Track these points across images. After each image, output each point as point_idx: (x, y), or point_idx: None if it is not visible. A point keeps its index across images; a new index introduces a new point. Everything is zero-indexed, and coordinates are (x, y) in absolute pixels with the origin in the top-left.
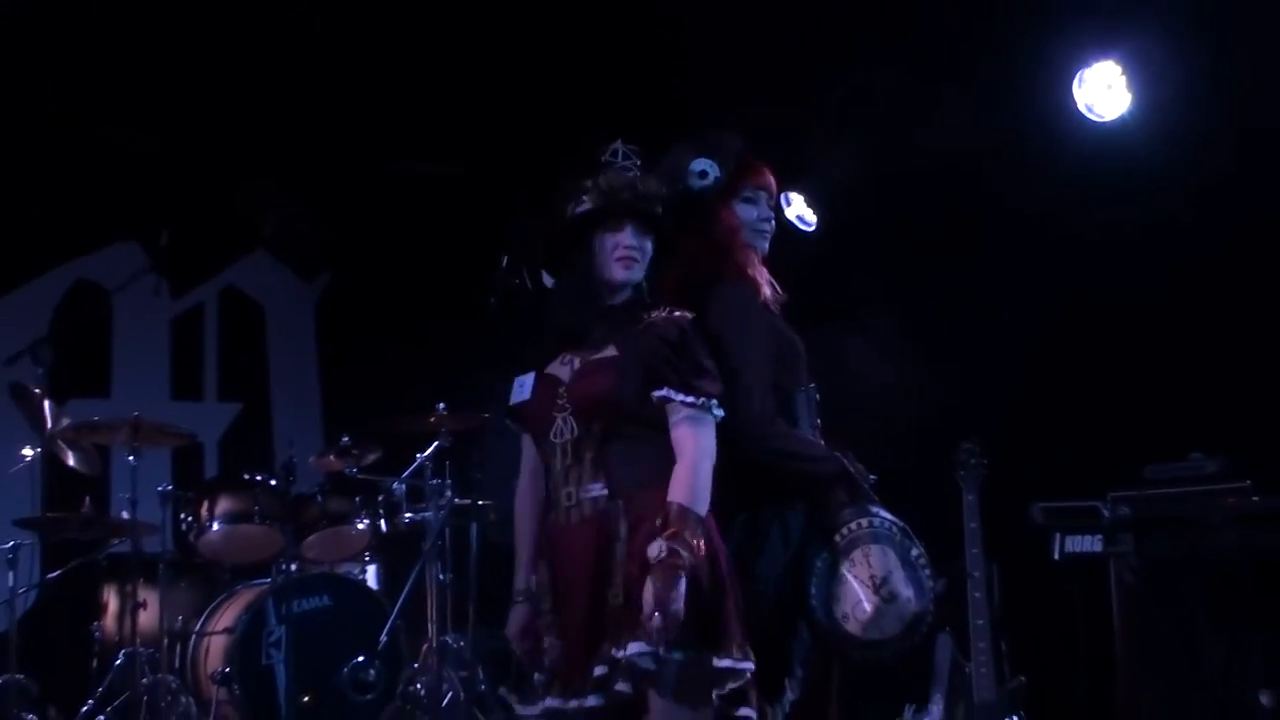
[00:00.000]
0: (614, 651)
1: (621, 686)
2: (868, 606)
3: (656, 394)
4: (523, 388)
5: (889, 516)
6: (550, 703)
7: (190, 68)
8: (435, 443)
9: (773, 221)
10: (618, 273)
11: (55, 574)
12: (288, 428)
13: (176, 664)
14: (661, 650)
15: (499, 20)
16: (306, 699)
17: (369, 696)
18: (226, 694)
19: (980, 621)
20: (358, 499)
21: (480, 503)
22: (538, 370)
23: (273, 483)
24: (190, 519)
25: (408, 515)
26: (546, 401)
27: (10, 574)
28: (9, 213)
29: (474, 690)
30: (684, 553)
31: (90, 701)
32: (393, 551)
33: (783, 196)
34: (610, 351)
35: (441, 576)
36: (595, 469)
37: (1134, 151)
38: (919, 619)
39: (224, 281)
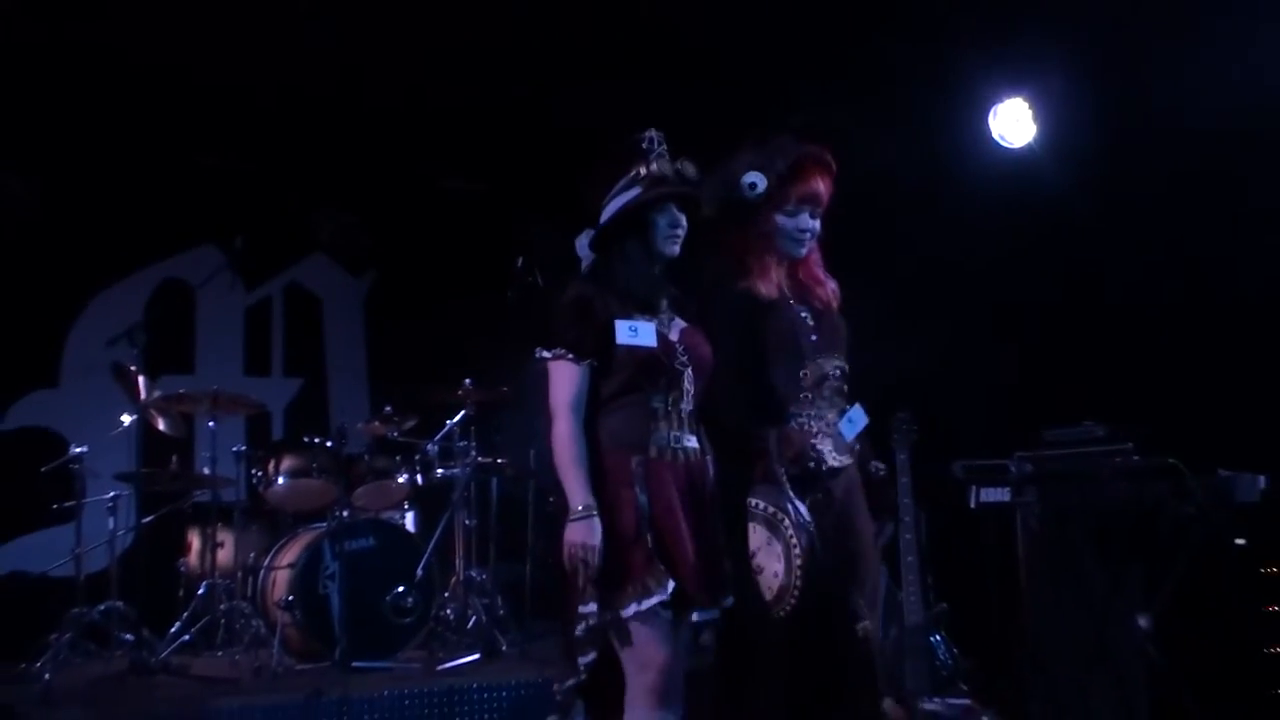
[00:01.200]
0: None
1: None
2: (756, 580)
3: None
4: (637, 333)
5: (763, 502)
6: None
7: (262, 101)
8: (462, 411)
9: (812, 231)
10: (670, 249)
11: (149, 519)
12: (341, 399)
13: (249, 593)
14: None
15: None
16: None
17: (407, 620)
18: (290, 618)
19: (910, 558)
20: (398, 458)
21: (499, 461)
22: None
23: (328, 444)
24: (260, 474)
25: (439, 471)
26: (668, 353)
27: (111, 519)
28: (112, 222)
29: (494, 615)
30: None
31: (177, 624)
32: (427, 501)
33: None
34: (681, 322)
35: (467, 521)
36: (693, 423)
37: (1039, 173)
38: (784, 591)
39: (288, 278)
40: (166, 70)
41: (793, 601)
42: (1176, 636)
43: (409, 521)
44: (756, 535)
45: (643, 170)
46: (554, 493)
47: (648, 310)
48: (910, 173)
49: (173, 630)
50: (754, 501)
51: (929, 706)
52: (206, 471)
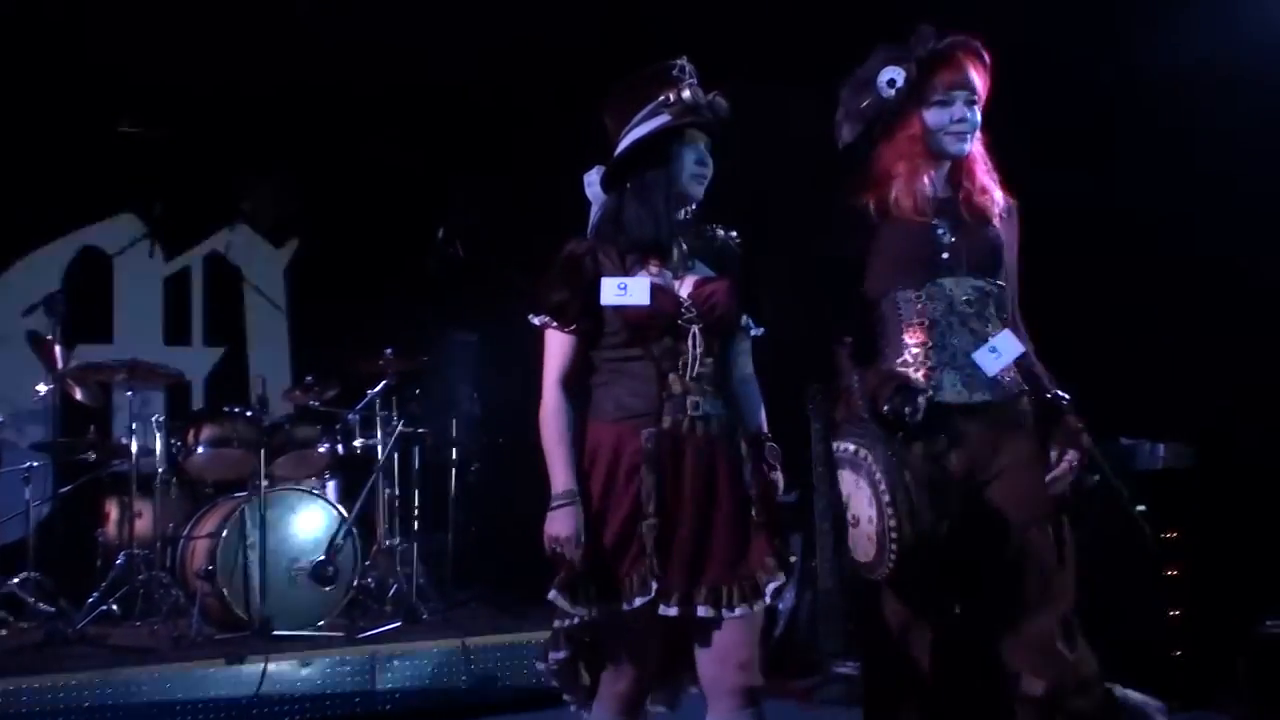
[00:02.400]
0: (761, 576)
1: (743, 610)
2: (850, 536)
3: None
4: (626, 290)
5: (849, 444)
6: (666, 609)
7: (183, 68)
8: (384, 381)
9: (968, 121)
10: (695, 190)
11: (66, 489)
12: (262, 368)
13: (167, 563)
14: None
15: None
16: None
17: (328, 589)
18: (209, 587)
19: (824, 525)
20: (319, 427)
21: (420, 430)
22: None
23: (249, 414)
24: (179, 444)
25: (360, 440)
26: (669, 311)
27: (27, 490)
28: (29, 189)
29: (415, 583)
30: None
31: (95, 594)
32: (349, 470)
33: None
34: (705, 270)
35: (388, 491)
36: (715, 387)
37: None
38: (882, 542)
39: (208, 248)
40: (88, 35)
41: (893, 556)
42: (1080, 601)
43: (330, 490)
44: (845, 481)
45: (672, 96)
46: (475, 460)
47: (660, 256)
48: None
49: (90, 600)
50: (837, 445)
51: (842, 670)
52: (125, 441)
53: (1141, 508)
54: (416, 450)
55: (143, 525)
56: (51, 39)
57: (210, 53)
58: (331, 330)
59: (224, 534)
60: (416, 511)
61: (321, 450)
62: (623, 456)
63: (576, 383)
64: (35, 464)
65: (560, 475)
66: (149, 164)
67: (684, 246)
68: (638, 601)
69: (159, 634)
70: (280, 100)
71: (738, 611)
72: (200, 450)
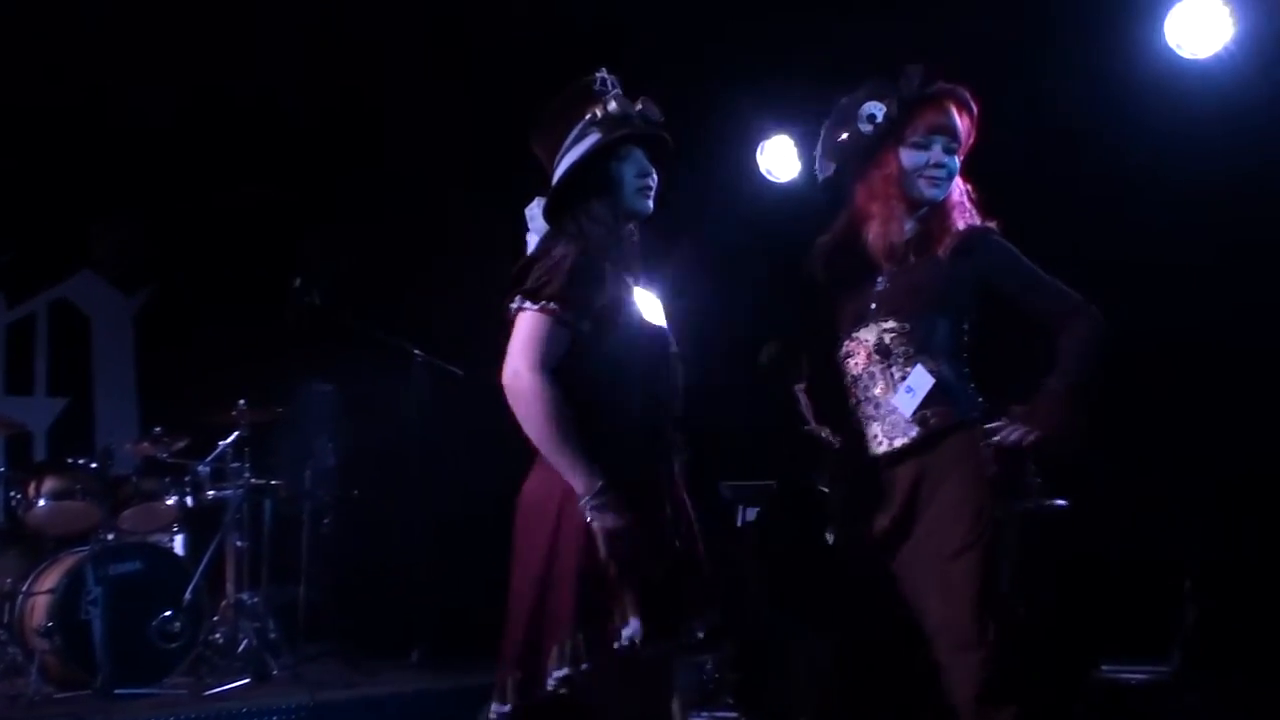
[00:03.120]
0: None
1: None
2: None
3: None
4: (642, 307)
5: None
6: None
7: (31, 109)
8: (236, 432)
9: (948, 166)
10: (642, 205)
11: None
12: (108, 419)
13: (5, 620)
14: None
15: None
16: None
17: (174, 645)
18: (49, 644)
19: None
20: (167, 479)
21: (273, 482)
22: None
23: (93, 465)
24: (19, 496)
25: (211, 493)
26: (665, 338)
27: None
28: None
29: (265, 638)
30: None
31: None
32: (198, 524)
33: None
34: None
35: (239, 544)
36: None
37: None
38: None
39: (55, 294)
40: None
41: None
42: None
43: (178, 544)
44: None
45: (599, 112)
46: (328, 513)
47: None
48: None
49: None
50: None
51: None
52: None
53: None
54: (268, 503)
55: None
56: None
57: (59, 93)
58: (182, 380)
59: (65, 590)
60: (267, 565)
61: (169, 503)
62: (636, 481)
63: (587, 397)
64: None
65: (587, 468)
66: None
67: (637, 269)
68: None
69: None
70: (131, 145)
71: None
72: (41, 503)
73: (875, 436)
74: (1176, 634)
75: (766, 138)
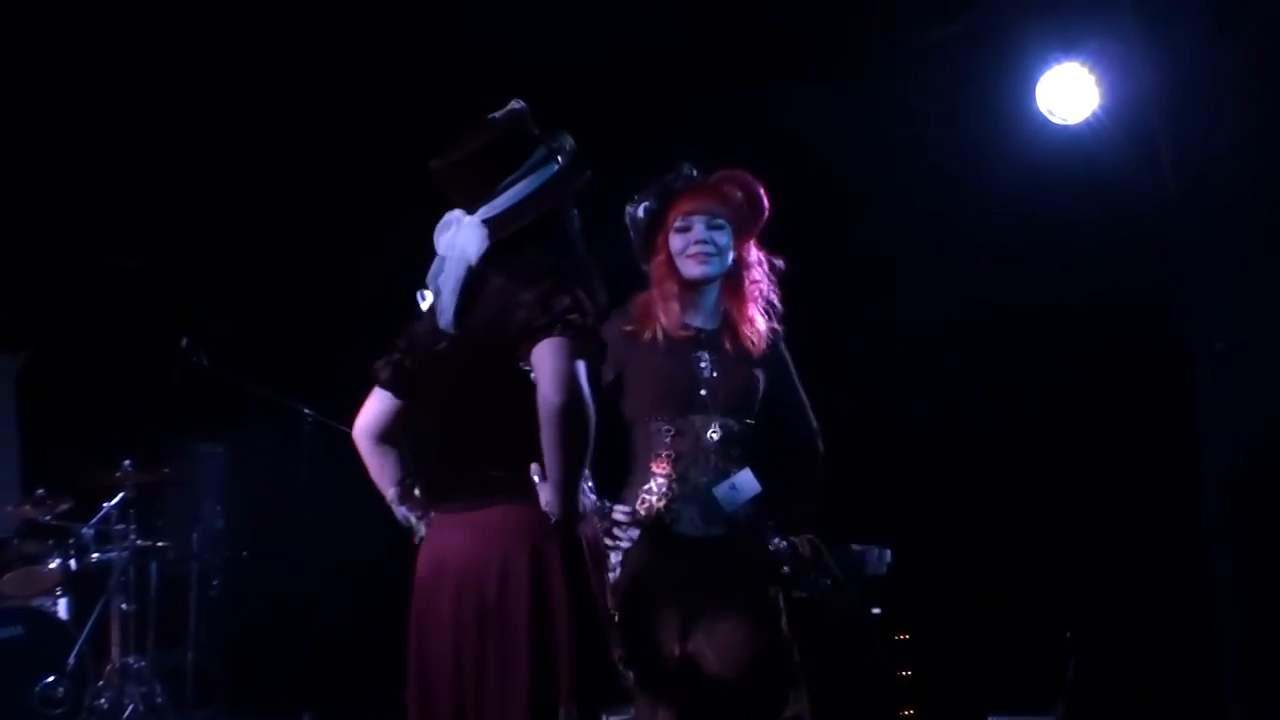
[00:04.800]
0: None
1: None
2: None
3: None
4: None
5: None
6: None
7: None
8: (121, 493)
9: (709, 242)
10: (580, 243)
11: None
12: None
13: None
14: None
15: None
16: None
17: (58, 711)
18: None
19: None
20: (50, 541)
21: (160, 544)
22: None
23: None
24: None
25: (95, 555)
26: None
27: None
28: None
29: (152, 703)
30: None
31: None
32: (82, 587)
33: None
34: None
35: (125, 607)
36: None
37: None
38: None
39: None
40: None
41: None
42: (817, 701)
43: (61, 608)
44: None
45: (556, 144)
46: (216, 575)
47: None
48: None
49: None
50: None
51: None
52: None
53: (876, 610)
54: (154, 565)
55: None
56: None
57: None
58: (66, 441)
59: None
60: (154, 629)
61: (52, 566)
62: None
63: None
64: None
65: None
66: None
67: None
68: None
69: None
70: (11, 203)
71: None
72: None
73: (692, 520)
74: (1061, 685)
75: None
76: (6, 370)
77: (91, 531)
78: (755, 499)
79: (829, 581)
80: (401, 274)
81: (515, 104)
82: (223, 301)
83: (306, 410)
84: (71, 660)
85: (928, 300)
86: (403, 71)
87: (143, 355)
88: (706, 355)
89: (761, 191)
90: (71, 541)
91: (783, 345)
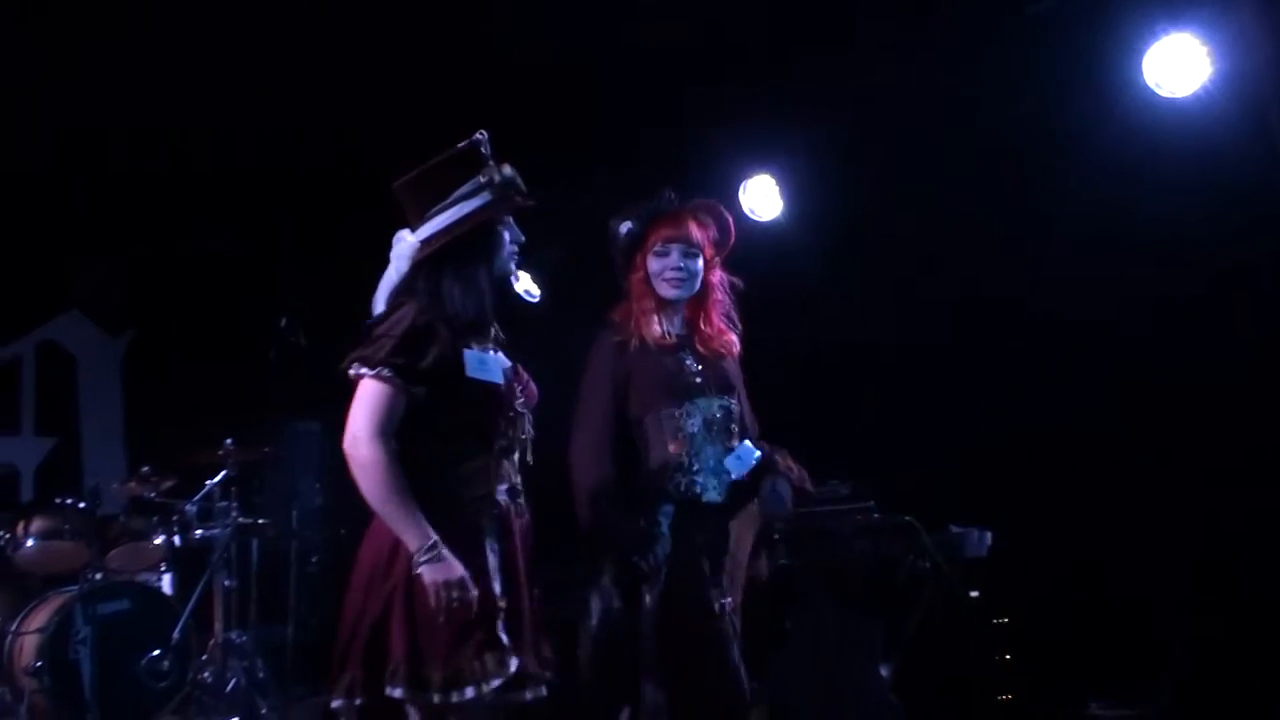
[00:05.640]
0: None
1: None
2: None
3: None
4: (486, 366)
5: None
6: (534, 690)
7: (16, 154)
8: (223, 471)
9: (684, 269)
10: (509, 268)
11: None
12: (96, 459)
13: None
14: None
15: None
16: None
17: (163, 685)
18: (37, 684)
19: None
20: (155, 518)
21: (260, 521)
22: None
23: (81, 505)
24: (8, 536)
25: (198, 532)
26: (511, 391)
27: None
28: None
29: (254, 678)
30: None
31: None
32: (186, 563)
33: None
34: (504, 358)
35: (227, 583)
36: (519, 468)
37: (786, 244)
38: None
39: (42, 335)
40: None
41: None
42: (915, 685)
43: (166, 584)
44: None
45: (495, 176)
46: (315, 552)
47: (480, 338)
48: None
49: None
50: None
51: None
52: None
53: (974, 594)
54: (255, 542)
55: None
56: None
57: (43, 137)
58: (170, 420)
59: (54, 629)
60: (255, 604)
61: (157, 542)
62: (465, 536)
63: (422, 455)
64: None
65: (417, 527)
66: None
67: (495, 329)
68: (497, 681)
69: None
70: (114, 187)
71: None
72: (29, 543)
73: (715, 489)
74: (1166, 672)
75: (748, 177)
76: (112, 351)
77: (195, 508)
78: (755, 467)
79: (927, 564)
80: None
81: (478, 135)
82: (320, 281)
83: None
84: (176, 634)
85: (1032, 277)
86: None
87: (242, 335)
88: (688, 353)
89: (730, 221)
90: (176, 518)
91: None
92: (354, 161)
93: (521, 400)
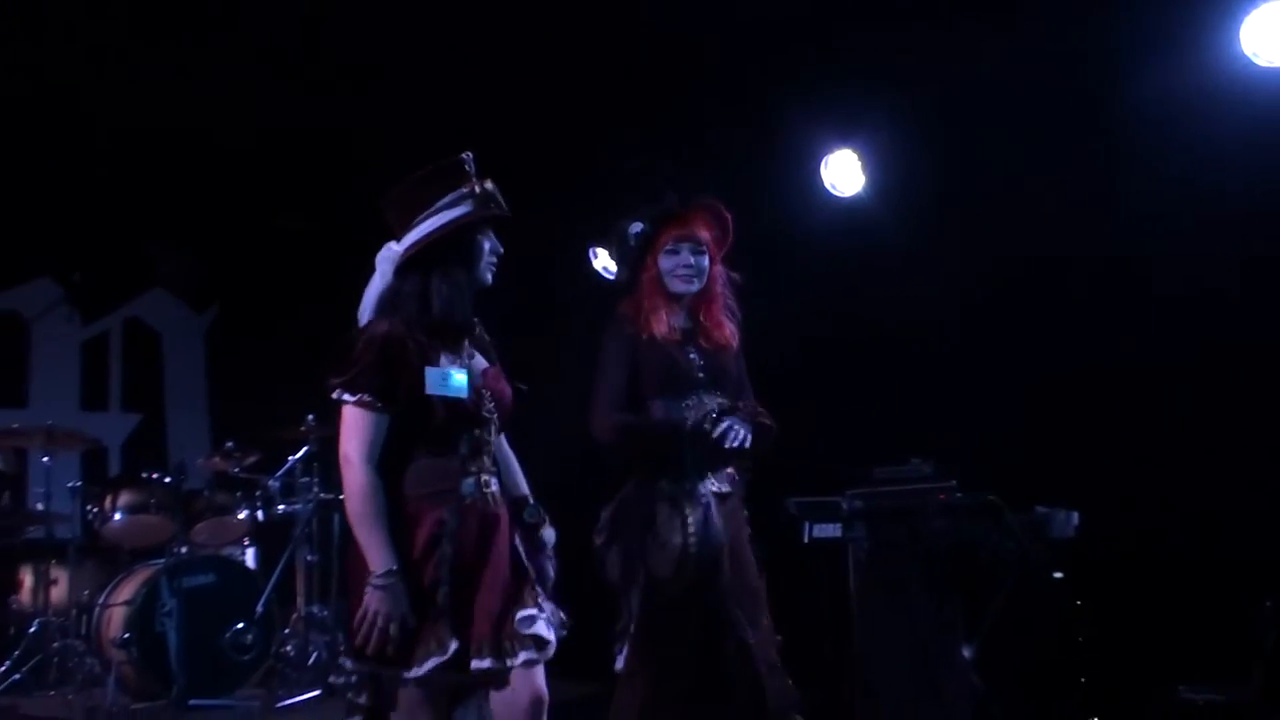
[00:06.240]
0: (540, 611)
1: (526, 656)
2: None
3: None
4: (448, 381)
5: (669, 482)
6: (480, 663)
7: (103, 134)
8: (305, 447)
9: (694, 266)
10: (488, 277)
11: None
12: (181, 434)
13: (83, 631)
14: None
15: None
16: None
17: (247, 657)
18: (125, 656)
19: None
20: (239, 493)
21: (341, 497)
22: (436, 363)
23: (167, 480)
24: (96, 510)
25: (281, 507)
26: (477, 401)
27: None
28: None
29: (335, 651)
30: None
31: (7, 663)
32: (268, 537)
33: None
34: (482, 361)
35: (309, 558)
36: (494, 465)
37: (867, 220)
38: (682, 562)
39: (127, 312)
40: (5, 101)
41: (690, 575)
42: (998, 665)
43: (249, 558)
44: (661, 511)
45: (476, 188)
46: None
47: (454, 345)
48: (739, 221)
49: (2, 669)
50: (661, 483)
51: None
52: (40, 507)
53: (1059, 575)
54: (337, 517)
55: (57, 593)
56: None
57: (127, 117)
58: (252, 396)
59: (142, 601)
60: (337, 579)
61: (241, 517)
62: (421, 529)
63: (384, 456)
64: None
65: (381, 554)
66: (67, 229)
67: (475, 333)
68: (431, 663)
69: (73, 704)
70: (197, 166)
71: (521, 658)
72: (117, 516)
73: (710, 479)
74: (1257, 656)
75: (830, 152)
76: (195, 328)
77: (277, 484)
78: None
79: (1011, 544)
80: (568, 234)
81: (464, 155)
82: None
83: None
84: (260, 608)
85: (1122, 252)
86: None
87: (324, 312)
88: (691, 347)
89: (730, 221)
90: (258, 493)
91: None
92: (437, 136)
93: (490, 406)
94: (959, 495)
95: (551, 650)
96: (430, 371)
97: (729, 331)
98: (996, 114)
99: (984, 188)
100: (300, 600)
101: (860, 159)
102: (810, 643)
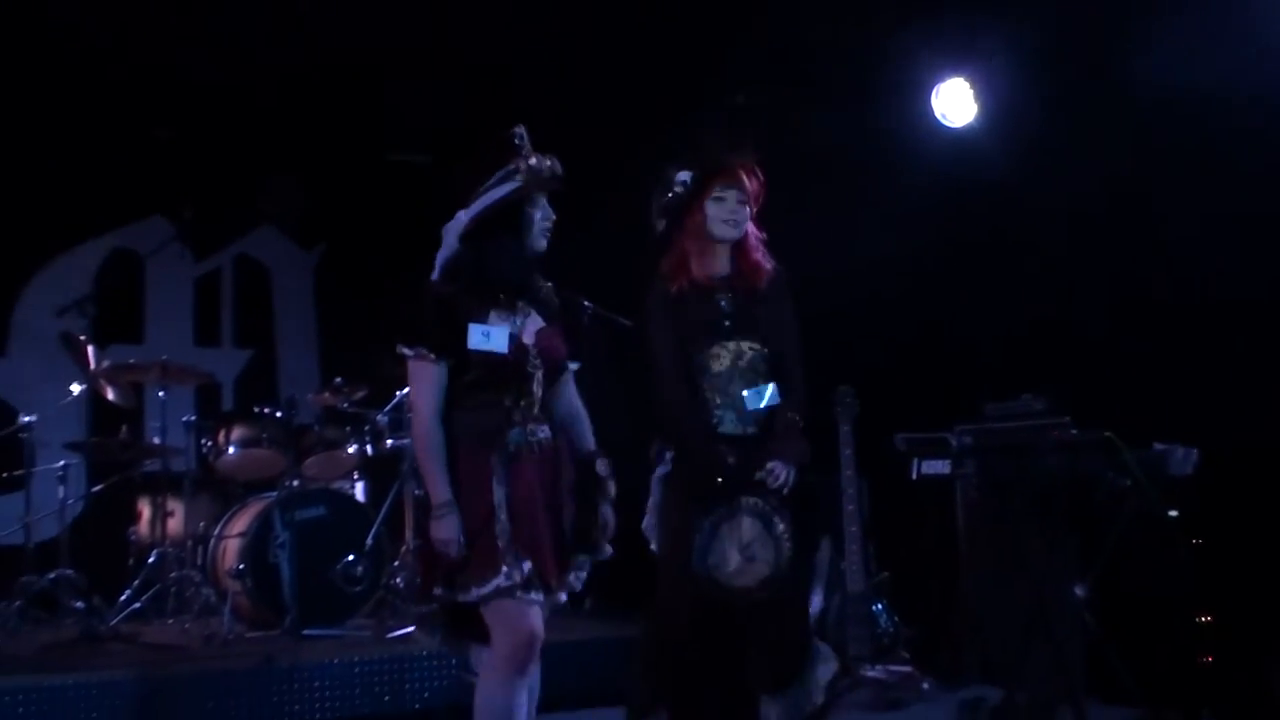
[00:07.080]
0: (583, 559)
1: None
2: (730, 563)
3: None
4: (489, 337)
5: (757, 500)
6: (534, 595)
7: (211, 72)
8: None
9: (740, 214)
10: (541, 244)
11: (99, 488)
12: (291, 370)
13: (199, 561)
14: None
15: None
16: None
17: (358, 589)
18: (240, 586)
19: (853, 528)
20: (348, 428)
21: None
22: (485, 321)
23: (278, 414)
24: (210, 444)
25: (389, 441)
26: (519, 357)
27: (61, 488)
28: (61, 192)
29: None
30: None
31: (128, 592)
32: (377, 471)
33: None
34: (539, 320)
35: (418, 492)
36: (544, 415)
37: (978, 152)
38: (769, 581)
39: (238, 249)
40: (115, 41)
41: (775, 589)
42: (1111, 604)
43: (359, 491)
44: (750, 528)
45: (522, 164)
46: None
47: (508, 307)
48: (849, 152)
49: (123, 598)
50: (749, 500)
51: (870, 674)
52: (156, 441)
53: (1174, 513)
54: None
55: (174, 524)
56: (83, 47)
57: (236, 54)
58: (361, 331)
59: (255, 534)
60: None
61: (350, 451)
62: (475, 473)
63: (442, 405)
64: (69, 463)
65: (441, 489)
66: (179, 167)
67: (530, 297)
68: (499, 581)
69: (190, 632)
70: (306, 104)
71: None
72: (231, 450)
73: (733, 422)
74: None
75: (941, 81)
76: (304, 264)
77: (385, 419)
78: (773, 407)
79: (1128, 481)
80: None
81: (517, 129)
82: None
83: (585, 303)
84: (370, 541)
85: (1241, 193)
86: None
87: (431, 248)
88: (727, 296)
89: (762, 175)
90: (367, 428)
91: (786, 286)
92: (555, 71)
93: (535, 362)
94: (1073, 432)
95: (563, 599)
96: (472, 328)
97: (764, 274)
98: (1114, 41)
99: (1100, 116)
100: (409, 533)
101: (972, 88)
102: (917, 581)
